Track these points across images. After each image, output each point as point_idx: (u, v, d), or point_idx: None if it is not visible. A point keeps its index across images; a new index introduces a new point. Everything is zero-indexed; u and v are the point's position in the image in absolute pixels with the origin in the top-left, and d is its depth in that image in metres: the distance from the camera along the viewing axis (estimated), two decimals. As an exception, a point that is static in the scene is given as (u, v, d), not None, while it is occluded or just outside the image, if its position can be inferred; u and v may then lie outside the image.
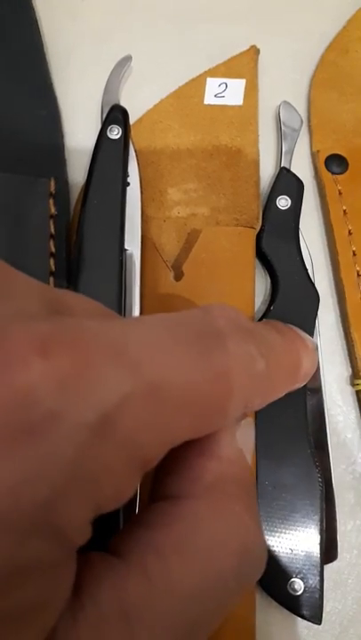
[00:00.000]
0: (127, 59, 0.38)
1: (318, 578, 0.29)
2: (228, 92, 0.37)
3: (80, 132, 0.38)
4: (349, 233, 0.35)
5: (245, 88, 0.38)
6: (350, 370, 0.35)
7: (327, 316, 0.36)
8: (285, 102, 0.38)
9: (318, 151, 0.38)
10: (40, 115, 0.36)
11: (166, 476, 0.19)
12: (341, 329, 0.35)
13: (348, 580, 0.32)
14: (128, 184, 0.33)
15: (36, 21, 0.39)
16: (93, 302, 0.18)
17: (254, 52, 0.38)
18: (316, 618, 0.29)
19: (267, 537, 0.30)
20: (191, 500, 0.18)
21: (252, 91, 0.38)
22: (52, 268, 0.32)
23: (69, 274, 0.33)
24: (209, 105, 0.37)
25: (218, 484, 0.18)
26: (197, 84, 0.38)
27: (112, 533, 0.18)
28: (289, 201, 0.35)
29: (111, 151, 0.33)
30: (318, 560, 0.29)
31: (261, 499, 0.30)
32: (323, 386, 0.33)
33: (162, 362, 0.15)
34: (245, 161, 0.36)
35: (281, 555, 0.29)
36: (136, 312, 0.32)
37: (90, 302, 0.18)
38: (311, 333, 0.32)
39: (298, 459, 0.31)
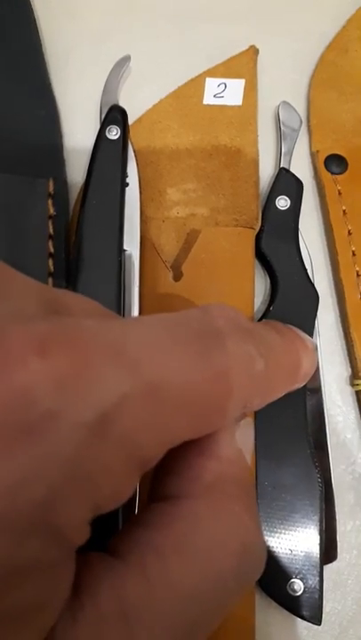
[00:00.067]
0: (126, 59, 0.38)
1: (318, 578, 0.29)
2: (228, 92, 0.37)
3: (79, 132, 0.38)
4: (349, 233, 0.35)
5: (245, 88, 0.38)
6: (350, 370, 0.35)
7: (327, 316, 0.35)
8: (285, 102, 0.38)
9: (318, 151, 0.37)
10: (39, 115, 0.36)
11: (166, 475, 0.19)
12: (341, 329, 0.35)
13: (348, 581, 0.32)
14: (127, 184, 0.33)
15: (35, 21, 0.39)
16: (92, 302, 0.18)
17: (253, 51, 0.38)
18: (316, 618, 0.29)
19: (266, 537, 0.29)
20: (191, 500, 0.18)
21: (251, 91, 0.38)
22: (51, 268, 0.32)
23: (68, 274, 0.32)
24: (208, 105, 0.37)
25: (217, 483, 0.18)
26: (196, 84, 0.38)
27: (111, 533, 0.18)
28: (288, 201, 0.35)
29: (110, 151, 0.33)
30: (318, 560, 0.29)
31: (261, 499, 0.30)
32: (322, 386, 0.33)
33: (161, 362, 0.15)
34: (245, 161, 0.36)
35: (281, 555, 0.29)
36: (135, 312, 0.32)
37: (89, 302, 0.18)
38: (311, 333, 0.32)
39: (297, 459, 0.30)
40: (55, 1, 0.41)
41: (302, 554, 0.29)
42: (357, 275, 0.35)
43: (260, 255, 0.35)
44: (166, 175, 0.36)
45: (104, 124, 0.34)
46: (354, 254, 0.35)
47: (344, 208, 0.36)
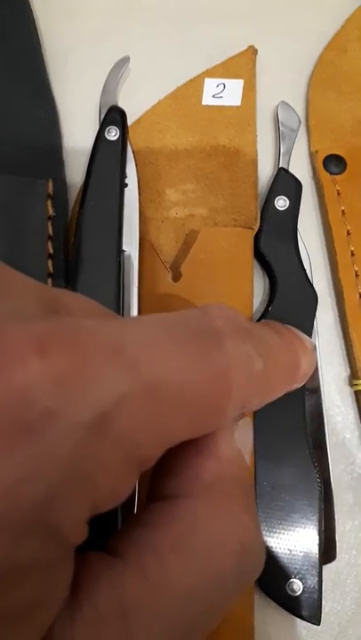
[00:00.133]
0: (125, 59, 0.38)
1: (317, 578, 0.29)
2: (226, 93, 0.37)
3: (78, 132, 0.38)
4: (348, 233, 0.35)
5: (243, 88, 0.38)
6: (349, 370, 0.35)
7: (326, 317, 0.36)
8: (283, 102, 0.38)
9: (317, 151, 0.38)
10: (38, 115, 0.36)
11: (164, 475, 0.19)
12: (340, 329, 0.35)
13: (347, 581, 0.32)
14: (126, 185, 0.33)
15: (34, 22, 0.39)
16: (91, 302, 0.18)
17: (252, 52, 0.38)
18: (315, 618, 0.29)
19: (265, 537, 0.30)
20: (189, 500, 0.18)
21: (250, 91, 0.38)
22: (50, 269, 0.32)
23: (67, 275, 0.33)
24: (207, 105, 0.37)
25: (216, 483, 0.18)
26: (195, 85, 0.38)
27: (110, 533, 0.18)
28: (287, 201, 0.35)
29: (109, 152, 0.33)
30: (317, 560, 0.29)
31: (260, 499, 0.30)
32: (321, 386, 0.33)
33: (160, 361, 0.15)
34: (244, 161, 0.36)
35: (280, 555, 0.29)
36: (134, 313, 0.32)
37: (88, 302, 0.18)
38: (310, 334, 0.32)
39: (296, 459, 0.31)
40: (54, 1, 0.41)
41: (301, 554, 0.29)
42: (356, 275, 0.35)
43: (259, 255, 0.35)
44: (165, 176, 0.36)
45: (103, 125, 0.34)
46: (353, 254, 0.35)
47: (343, 208, 0.36)
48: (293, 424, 0.31)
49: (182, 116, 0.37)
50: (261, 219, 0.35)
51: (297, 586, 0.29)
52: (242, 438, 0.20)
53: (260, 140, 0.37)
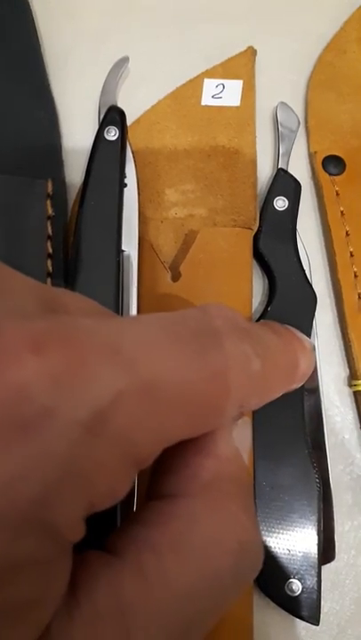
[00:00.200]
0: (124, 60, 0.38)
1: (316, 578, 0.29)
2: (226, 93, 0.37)
3: (77, 132, 0.38)
4: (347, 234, 0.35)
5: (243, 89, 0.38)
6: (348, 370, 0.35)
7: (324, 317, 0.36)
8: (283, 103, 0.38)
9: (316, 152, 0.38)
10: (37, 116, 0.36)
11: (163, 474, 0.19)
12: (339, 329, 0.35)
13: (346, 581, 0.32)
14: (125, 185, 0.33)
15: (34, 22, 0.39)
16: (90, 301, 0.18)
17: (251, 52, 0.38)
18: (314, 618, 0.29)
19: (264, 537, 0.29)
20: (188, 499, 0.18)
21: (249, 91, 0.38)
22: (50, 269, 0.32)
23: (67, 275, 0.33)
24: (206, 106, 0.37)
25: (215, 482, 0.18)
26: (195, 85, 0.38)
27: (109, 531, 0.18)
28: (286, 202, 0.35)
29: (108, 152, 0.33)
30: (316, 561, 0.29)
31: (259, 499, 0.30)
32: (320, 386, 0.33)
33: (157, 360, 0.15)
34: (243, 162, 0.36)
35: (279, 555, 0.29)
36: (133, 312, 0.32)
37: (86, 301, 0.18)
38: (308, 334, 0.32)
39: (295, 459, 0.30)
40: (54, 1, 0.41)
41: (300, 554, 0.29)
42: (355, 275, 0.35)
43: (258, 256, 0.35)
44: (164, 176, 0.36)
45: (102, 125, 0.34)
46: (352, 255, 0.35)
47: (342, 209, 0.36)
48: (292, 424, 0.31)
49: (182, 117, 0.37)
50: (261, 219, 0.35)
51: (296, 586, 0.29)
52: (240, 438, 0.20)
53: (259, 141, 0.37)
